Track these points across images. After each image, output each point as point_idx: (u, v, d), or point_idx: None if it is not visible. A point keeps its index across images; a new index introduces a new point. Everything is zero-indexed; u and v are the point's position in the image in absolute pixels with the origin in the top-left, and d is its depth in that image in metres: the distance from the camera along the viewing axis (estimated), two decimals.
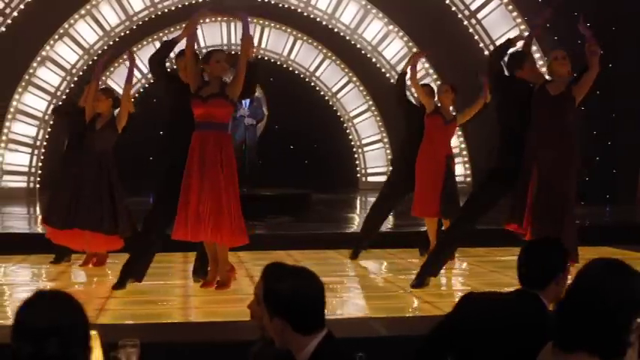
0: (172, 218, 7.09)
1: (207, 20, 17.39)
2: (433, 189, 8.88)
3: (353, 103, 17.85)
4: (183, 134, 7.11)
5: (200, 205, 6.86)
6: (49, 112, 13.76)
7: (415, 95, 10.46)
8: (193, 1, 16.72)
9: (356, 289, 7.67)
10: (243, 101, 14.30)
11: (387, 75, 16.94)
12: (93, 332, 3.61)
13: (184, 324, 5.99)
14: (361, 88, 17.79)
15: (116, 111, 8.75)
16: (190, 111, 7.04)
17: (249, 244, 9.36)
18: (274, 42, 17.64)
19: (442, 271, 8.64)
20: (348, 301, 6.94)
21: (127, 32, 16.55)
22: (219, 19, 17.49)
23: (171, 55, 7.89)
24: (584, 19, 7.39)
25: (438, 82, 16.39)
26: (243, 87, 7.15)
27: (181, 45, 7.59)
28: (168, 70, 8.04)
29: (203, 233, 6.94)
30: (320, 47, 17.59)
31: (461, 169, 16.82)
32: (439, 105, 9.24)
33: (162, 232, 7.41)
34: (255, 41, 17.36)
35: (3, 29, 14.41)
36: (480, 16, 15.53)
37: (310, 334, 3.12)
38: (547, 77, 7.19)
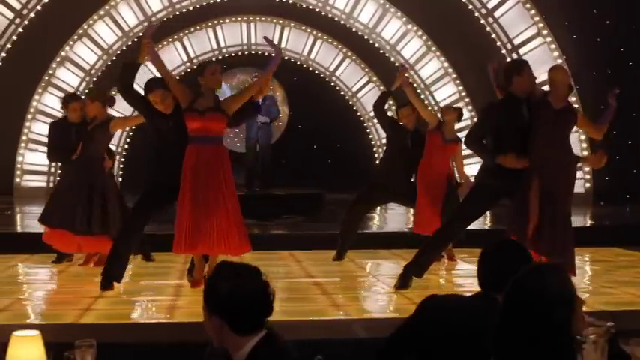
0: (146, 224, 7.25)
1: (227, 20, 17.47)
2: (433, 207, 8.80)
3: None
4: (172, 151, 7.08)
5: (203, 218, 6.82)
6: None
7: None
8: (211, 1, 16.72)
9: (349, 290, 7.57)
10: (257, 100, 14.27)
11: (406, 74, 16.79)
12: (35, 332, 3.62)
13: (159, 324, 5.99)
14: (382, 88, 17.67)
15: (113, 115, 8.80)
16: (177, 128, 7.01)
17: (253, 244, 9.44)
18: (294, 41, 17.62)
19: (442, 272, 8.60)
20: (336, 302, 6.88)
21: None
22: (239, 18, 17.54)
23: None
24: (613, 95, 7.31)
25: (457, 82, 16.35)
26: (237, 114, 7.15)
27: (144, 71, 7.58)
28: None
29: (206, 245, 6.91)
30: (340, 47, 17.54)
31: None
32: (442, 122, 9.11)
33: (138, 236, 7.47)
34: (276, 40, 17.40)
35: (20, 30, 14.53)
36: (497, 14, 15.37)
37: (247, 335, 3.09)
38: (546, 88, 7.11)
